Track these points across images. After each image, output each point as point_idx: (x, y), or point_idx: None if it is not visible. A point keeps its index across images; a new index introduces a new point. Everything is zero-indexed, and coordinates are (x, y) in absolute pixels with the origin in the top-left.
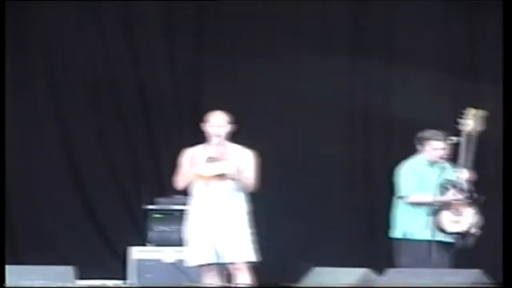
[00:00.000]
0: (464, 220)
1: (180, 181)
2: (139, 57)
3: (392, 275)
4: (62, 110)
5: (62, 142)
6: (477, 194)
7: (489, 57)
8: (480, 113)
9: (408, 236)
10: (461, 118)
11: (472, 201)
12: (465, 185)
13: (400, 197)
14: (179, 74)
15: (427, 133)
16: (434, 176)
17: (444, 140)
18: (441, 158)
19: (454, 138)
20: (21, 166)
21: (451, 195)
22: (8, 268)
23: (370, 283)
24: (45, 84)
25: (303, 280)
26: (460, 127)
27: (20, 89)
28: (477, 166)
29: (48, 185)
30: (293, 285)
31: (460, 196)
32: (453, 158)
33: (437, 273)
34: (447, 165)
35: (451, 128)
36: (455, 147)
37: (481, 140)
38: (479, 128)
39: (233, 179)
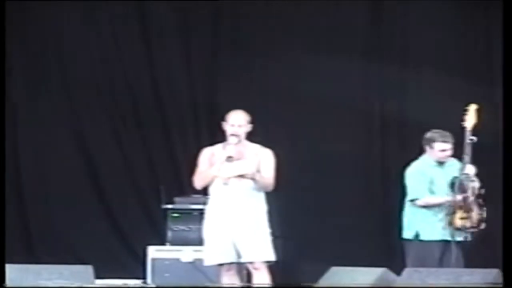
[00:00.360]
0: (473, 215)
1: (198, 181)
2: (154, 57)
3: (410, 275)
4: (78, 111)
5: (79, 142)
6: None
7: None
8: (474, 107)
9: (421, 237)
10: (464, 115)
11: (482, 195)
12: (475, 180)
13: (411, 200)
14: (195, 74)
15: (433, 134)
16: (444, 176)
17: (450, 140)
18: (447, 157)
19: (474, 138)
20: (38, 166)
21: (461, 193)
22: (26, 267)
23: (388, 282)
24: (60, 84)
25: (321, 280)
26: (464, 124)
27: (35, 91)
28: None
29: (65, 185)
30: (311, 285)
31: (470, 193)
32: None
33: (454, 273)
34: (455, 162)
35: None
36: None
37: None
38: (476, 121)
39: (252, 178)
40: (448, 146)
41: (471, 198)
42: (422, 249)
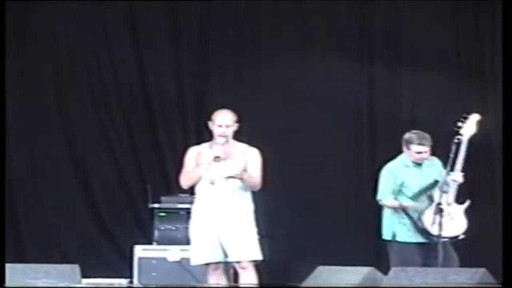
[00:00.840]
0: (454, 223)
1: (185, 180)
2: (143, 57)
3: (397, 274)
4: (66, 110)
5: (67, 141)
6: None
7: (496, 58)
8: (477, 117)
9: (397, 239)
10: (462, 122)
11: (457, 204)
12: (455, 188)
13: (377, 200)
14: (183, 74)
15: (411, 135)
16: (420, 177)
17: (427, 143)
18: (424, 160)
19: (461, 138)
20: (26, 165)
21: (436, 198)
22: (13, 266)
23: (374, 282)
24: (49, 84)
25: (308, 279)
26: (461, 132)
27: (25, 89)
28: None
29: (53, 184)
30: (298, 284)
31: (443, 199)
32: (447, 160)
33: (441, 272)
34: (435, 163)
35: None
36: (457, 147)
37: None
38: (475, 132)
39: (240, 178)
40: (425, 149)
41: (447, 206)
42: (402, 250)
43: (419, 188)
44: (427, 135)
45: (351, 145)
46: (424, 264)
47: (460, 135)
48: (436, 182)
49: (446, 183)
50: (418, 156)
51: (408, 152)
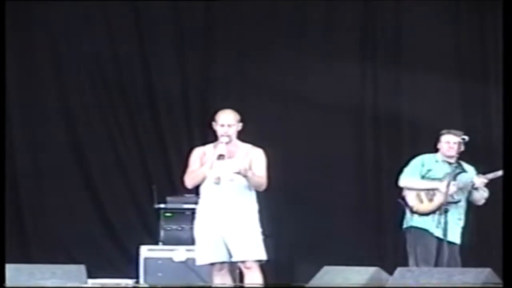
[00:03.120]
0: (430, 204)
1: (189, 180)
2: (148, 57)
3: (402, 274)
4: (71, 111)
5: (73, 142)
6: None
7: (498, 59)
8: None
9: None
10: None
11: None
12: (468, 189)
13: (400, 180)
14: (188, 74)
15: (444, 130)
16: (446, 170)
17: (458, 134)
18: (454, 152)
19: (466, 138)
20: (31, 166)
21: (445, 187)
22: (19, 267)
23: (380, 282)
24: (54, 86)
25: (313, 279)
26: None
27: (28, 89)
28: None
29: (58, 185)
30: (303, 284)
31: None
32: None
33: (446, 272)
34: (469, 169)
35: (459, 129)
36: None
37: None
38: None
39: (244, 175)
40: (454, 139)
41: (444, 196)
42: (420, 237)
43: (442, 176)
44: (460, 132)
45: (354, 145)
46: (436, 260)
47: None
48: (461, 172)
49: (465, 182)
50: (446, 146)
51: (440, 146)
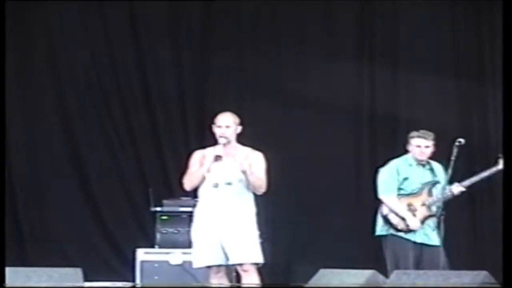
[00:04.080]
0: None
1: (188, 182)
2: (144, 59)
3: (398, 277)
4: (67, 113)
5: (69, 145)
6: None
7: (494, 59)
8: None
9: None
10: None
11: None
12: (448, 198)
13: (380, 197)
14: (185, 76)
15: (413, 131)
16: (421, 175)
17: (428, 137)
18: (424, 156)
19: (462, 141)
20: (28, 168)
21: (428, 197)
22: (15, 270)
23: (376, 284)
24: (50, 87)
25: (310, 282)
26: (499, 161)
27: (25, 90)
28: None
29: (55, 188)
30: (300, 285)
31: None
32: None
33: (443, 275)
34: (438, 167)
35: (456, 130)
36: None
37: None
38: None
39: (243, 171)
40: (425, 142)
41: (427, 207)
42: (395, 244)
43: (421, 185)
44: (430, 132)
45: (352, 147)
46: (417, 265)
47: (497, 162)
48: (436, 183)
49: (444, 190)
50: (418, 150)
51: (410, 148)
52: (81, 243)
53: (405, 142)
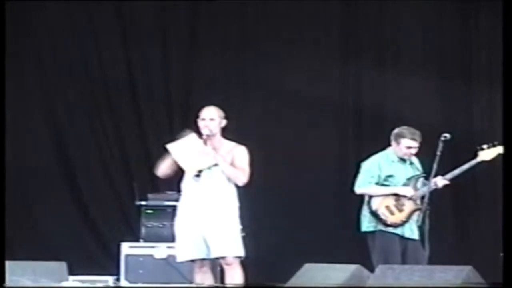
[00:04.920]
0: (402, 214)
1: (158, 168)
2: (131, 56)
3: (383, 272)
4: (55, 110)
5: (55, 140)
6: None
7: (481, 58)
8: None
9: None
10: (486, 148)
11: (422, 207)
12: (430, 191)
13: (356, 189)
14: (171, 72)
15: (402, 129)
16: (404, 172)
17: (418, 139)
18: (412, 155)
19: (448, 135)
20: (14, 162)
21: (405, 191)
22: None
23: (361, 279)
24: (37, 84)
25: (294, 277)
26: (479, 153)
27: (13, 89)
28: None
29: (41, 182)
30: (285, 285)
31: (413, 195)
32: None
33: (427, 270)
34: (416, 161)
35: (441, 127)
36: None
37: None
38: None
39: (225, 172)
40: (415, 144)
41: (414, 201)
42: (384, 240)
43: (406, 180)
44: (418, 131)
45: (336, 143)
46: (403, 261)
47: (476, 155)
48: (419, 177)
49: (429, 183)
50: (407, 151)
51: (397, 147)
52: (66, 236)
53: (389, 136)
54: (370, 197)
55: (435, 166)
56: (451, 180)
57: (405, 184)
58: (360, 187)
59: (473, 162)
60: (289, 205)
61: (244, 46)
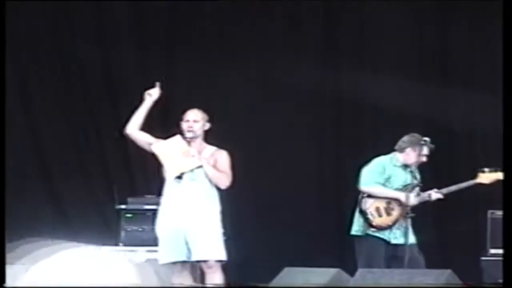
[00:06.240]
0: (388, 218)
1: (132, 127)
2: (109, 56)
3: (363, 275)
4: (32, 111)
5: (33, 141)
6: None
7: (460, 59)
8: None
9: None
10: (483, 171)
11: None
12: (423, 202)
13: (362, 186)
14: (151, 74)
15: (423, 138)
16: (402, 178)
17: (429, 147)
18: (417, 163)
19: (427, 139)
20: None
21: (404, 197)
22: None
23: (341, 283)
24: (15, 82)
25: (274, 281)
26: (480, 176)
27: None
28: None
29: (18, 184)
30: (265, 285)
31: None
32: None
33: (407, 274)
34: (415, 170)
35: (419, 128)
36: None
37: None
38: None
39: (208, 174)
40: (426, 151)
41: (404, 208)
42: (370, 245)
43: (402, 186)
44: (427, 140)
45: (316, 145)
46: (388, 265)
47: (475, 176)
48: (415, 186)
49: (422, 197)
50: (423, 159)
51: (411, 153)
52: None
53: (394, 142)
54: (364, 196)
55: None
56: (445, 195)
57: (400, 190)
58: (366, 185)
59: (471, 182)
60: (269, 208)
61: (223, 47)
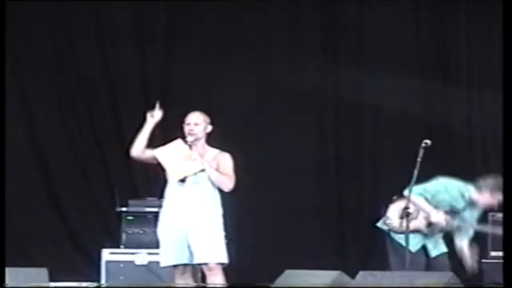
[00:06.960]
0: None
1: (132, 148)
2: (108, 57)
3: (364, 278)
4: (30, 112)
5: (33, 144)
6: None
7: (459, 58)
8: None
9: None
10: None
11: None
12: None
13: (410, 191)
14: (149, 75)
15: (496, 180)
16: (453, 201)
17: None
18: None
19: (428, 142)
20: None
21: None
22: None
23: (342, 285)
24: (14, 85)
25: (275, 283)
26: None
27: None
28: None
29: (19, 187)
30: (265, 285)
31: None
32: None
33: (408, 276)
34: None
35: (418, 129)
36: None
37: None
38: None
39: (211, 178)
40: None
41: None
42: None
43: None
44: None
45: (316, 146)
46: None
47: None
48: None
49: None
50: (489, 201)
51: (488, 197)
52: (46, 243)
53: (394, 142)
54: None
55: (415, 172)
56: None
57: (441, 207)
58: (415, 194)
59: (496, 231)
60: (270, 210)
61: (222, 48)
